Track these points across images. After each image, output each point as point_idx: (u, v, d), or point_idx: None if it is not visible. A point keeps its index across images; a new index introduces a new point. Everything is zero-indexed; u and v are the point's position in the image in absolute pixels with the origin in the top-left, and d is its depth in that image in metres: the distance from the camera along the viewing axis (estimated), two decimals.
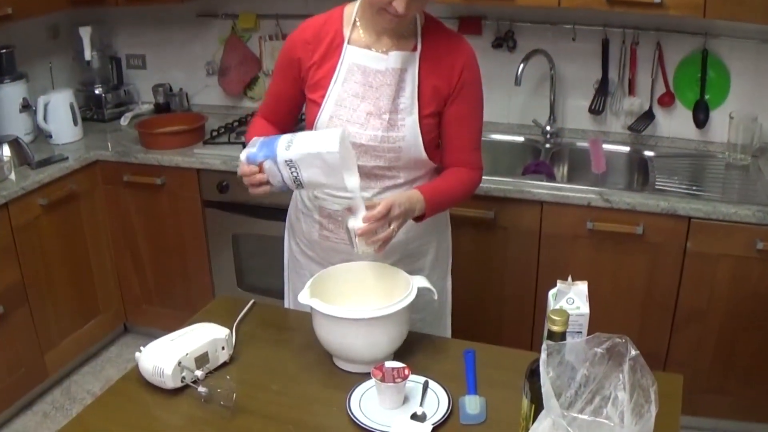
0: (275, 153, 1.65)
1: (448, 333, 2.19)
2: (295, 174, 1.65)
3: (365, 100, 1.83)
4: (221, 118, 3.45)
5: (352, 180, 1.66)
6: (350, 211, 1.70)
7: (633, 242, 2.53)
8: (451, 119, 1.88)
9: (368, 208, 1.69)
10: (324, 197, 1.93)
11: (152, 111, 3.62)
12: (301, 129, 1.85)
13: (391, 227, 1.71)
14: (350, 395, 1.55)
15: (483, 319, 2.80)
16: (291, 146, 1.64)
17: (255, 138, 1.73)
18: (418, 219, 1.85)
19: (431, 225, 2.02)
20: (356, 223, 1.68)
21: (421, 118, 1.84)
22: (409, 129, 1.83)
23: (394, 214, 1.71)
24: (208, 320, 1.78)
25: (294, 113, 1.99)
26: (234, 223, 3.07)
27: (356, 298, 1.76)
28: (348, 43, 1.85)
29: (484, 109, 1.94)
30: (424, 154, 1.87)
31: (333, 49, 1.86)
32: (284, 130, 1.86)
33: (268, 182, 1.70)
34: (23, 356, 2.92)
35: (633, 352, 1.18)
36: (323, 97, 1.85)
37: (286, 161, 1.64)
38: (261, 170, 1.68)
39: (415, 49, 1.85)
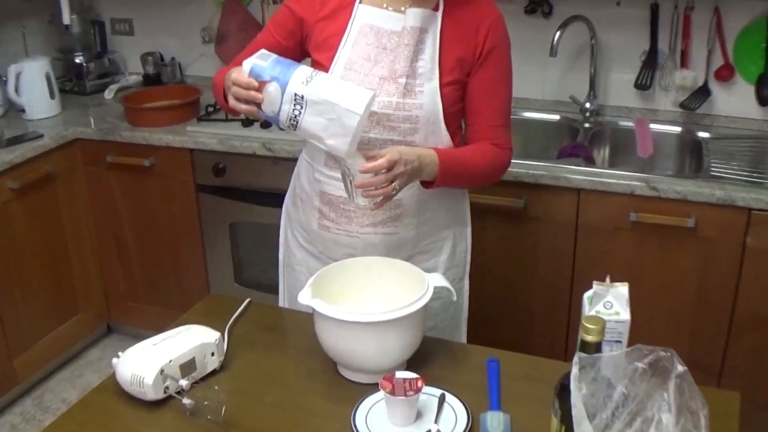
0: (288, 80, 1.62)
1: (463, 342, 2.16)
2: (296, 113, 1.63)
3: (378, 64, 1.82)
4: None
5: (352, 148, 1.66)
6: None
7: (683, 237, 2.50)
8: (476, 89, 1.87)
9: (370, 158, 1.67)
10: (326, 180, 1.93)
11: (140, 83, 3.63)
12: None
13: (392, 185, 1.69)
14: (356, 409, 1.54)
15: (510, 323, 2.79)
16: (310, 82, 1.62)
17: (265, 51, 1.69)
18: (427, 185, 1.83)
19: (447, 219, 2.00)
20: (355, 172, 1.67)
21: (442, 85, 1.83)
22: (428, 97, 1.82)
23: (398, 171, 1.68)
24: (197, 322, 1.77)
25: None
26: (232, 210, 3.06)
27: (364, 298, 1.74)
28: (360, 2, 1.85)
29: (513, 82, 1.92)
30: (443, 128, 1.85)
31: (343, 7, 1.85)
32: None
33: (257, 105, 1.67)
34: None
35: (680, 368, 1.16)
36: (331, 59, 1.84)
37: (296, 95, 1.61)
38: (260, 90, 1.65)
39: (436, 8, 1.83)
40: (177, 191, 3.12)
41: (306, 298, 1.61)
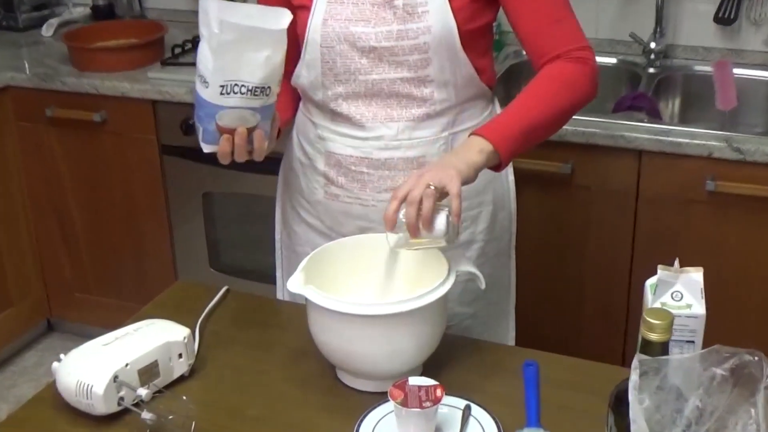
0: (209, 101, 1.68)
1: (511, 337, 2.18)
2: (244, 89, 1.67)
3: None
4: (187, 29, 3.42)
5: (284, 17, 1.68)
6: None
7: None
8: None
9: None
10: (332, 137, 1.93)
11: (88, 17, 3.62)
12: None
13: (426, 205, 1.61)
14: (359, 424, 1.54)
15: (553, 318, 2.80)
16: (205, 74, 1.67)
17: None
18: (497, 168, 1.79)
19: (485, 178, 1.97)
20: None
21: None
22: (436, 16, 1.80)
23: (414, 187, 1.61)
24: (161, 316, 1.77)
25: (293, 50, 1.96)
26: (205, 176, 3.07)
27: (369, 285, 1.75)
28: None
29: None
30: (461, 54, 1.84)
31: None
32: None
33: (251, 134, 1.73)
34: None
35: None
36: None
37: (221, 92, 1.67)
38: (232, 134, 1.72)
39: None
40: (136, 153, 3.13)
41: (297, 284, 1.61)
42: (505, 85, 2.97)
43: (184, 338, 1.68)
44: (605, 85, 3.03)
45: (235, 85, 1.66)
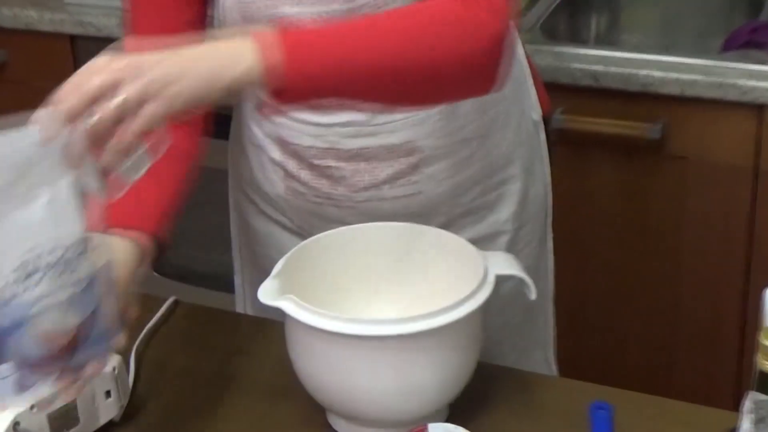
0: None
1: (550, 361, 2.21)
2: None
3: None
4: None
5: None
6: None
7: None
8: None
9: None
10: (288, 123, 1.90)
11: None
12: None
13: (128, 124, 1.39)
14: None
15: (632, 340, 2.78)
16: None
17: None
18: (280, 95, 1.50)
19: (509, 143, 2.00)
20: None
21: None
22: None
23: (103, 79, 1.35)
24: None
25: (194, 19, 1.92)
26: None
27: (373, 295, 1.76)
28: None
29: None
30: None
31: None
32: None
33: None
34: None
35: None
36: None
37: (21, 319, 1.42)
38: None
39: None
40: None
41: (270, 294, 1.61)
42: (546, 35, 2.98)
43: (114, 369, 1.68)
44: (709, 15, 3.05)
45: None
